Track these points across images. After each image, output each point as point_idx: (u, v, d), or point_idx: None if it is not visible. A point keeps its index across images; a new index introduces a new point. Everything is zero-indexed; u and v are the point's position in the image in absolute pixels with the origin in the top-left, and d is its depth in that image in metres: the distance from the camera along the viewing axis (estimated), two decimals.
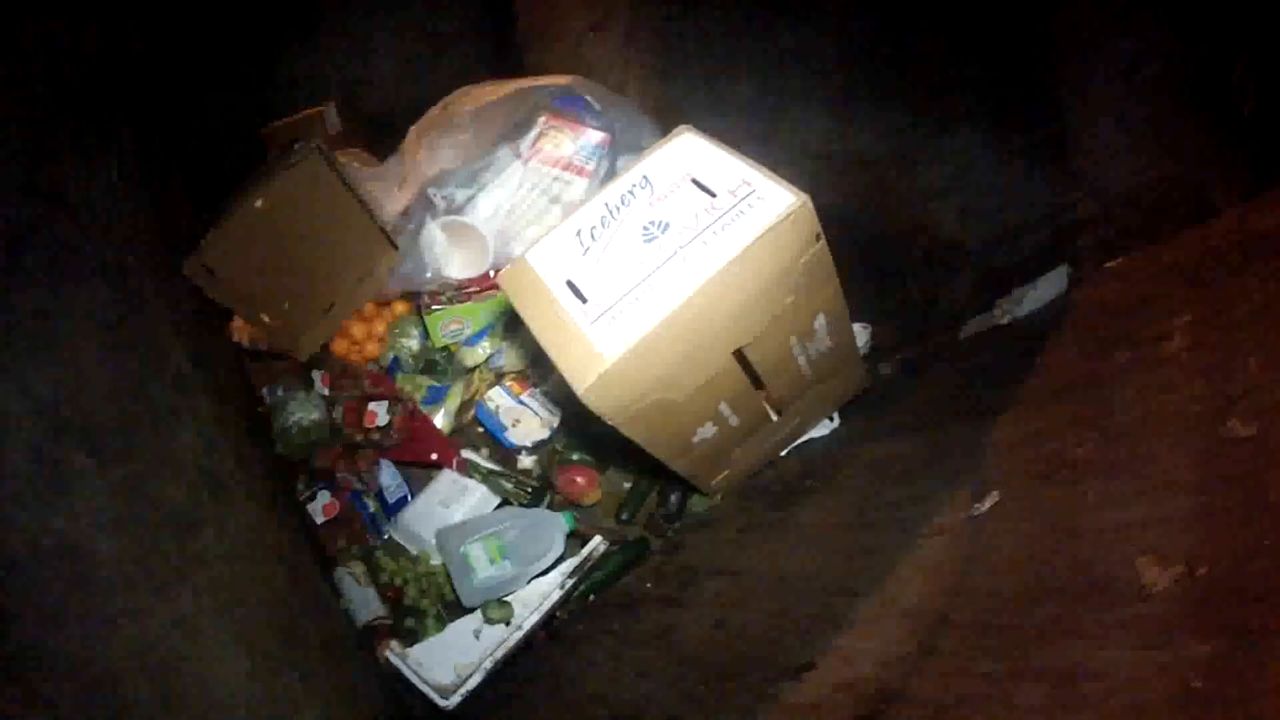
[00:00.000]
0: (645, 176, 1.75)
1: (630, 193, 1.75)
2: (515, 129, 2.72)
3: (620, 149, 2.66)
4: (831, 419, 2.31)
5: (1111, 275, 1.70)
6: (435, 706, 2.14)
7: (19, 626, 1.07)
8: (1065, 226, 1.81)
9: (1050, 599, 1.17)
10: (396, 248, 2.78)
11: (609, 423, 1.64)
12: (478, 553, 2.20)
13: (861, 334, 2.31)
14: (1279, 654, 0.87)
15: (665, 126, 2.43)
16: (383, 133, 2.94)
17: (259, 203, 2.43)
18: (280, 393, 2.77)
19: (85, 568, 1.28)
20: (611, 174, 2.56)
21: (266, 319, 2.66)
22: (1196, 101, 1.67)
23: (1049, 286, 1.87)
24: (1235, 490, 1.08)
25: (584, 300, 1.61)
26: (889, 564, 1.54)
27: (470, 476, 2.48)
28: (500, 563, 2.19)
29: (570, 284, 1.65)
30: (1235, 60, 1.58)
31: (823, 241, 1.62)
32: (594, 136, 2.63)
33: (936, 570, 1.44)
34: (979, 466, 1.54)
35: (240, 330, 2.86)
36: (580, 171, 2.62)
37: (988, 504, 1.42)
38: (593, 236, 1.72)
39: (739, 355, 1.75)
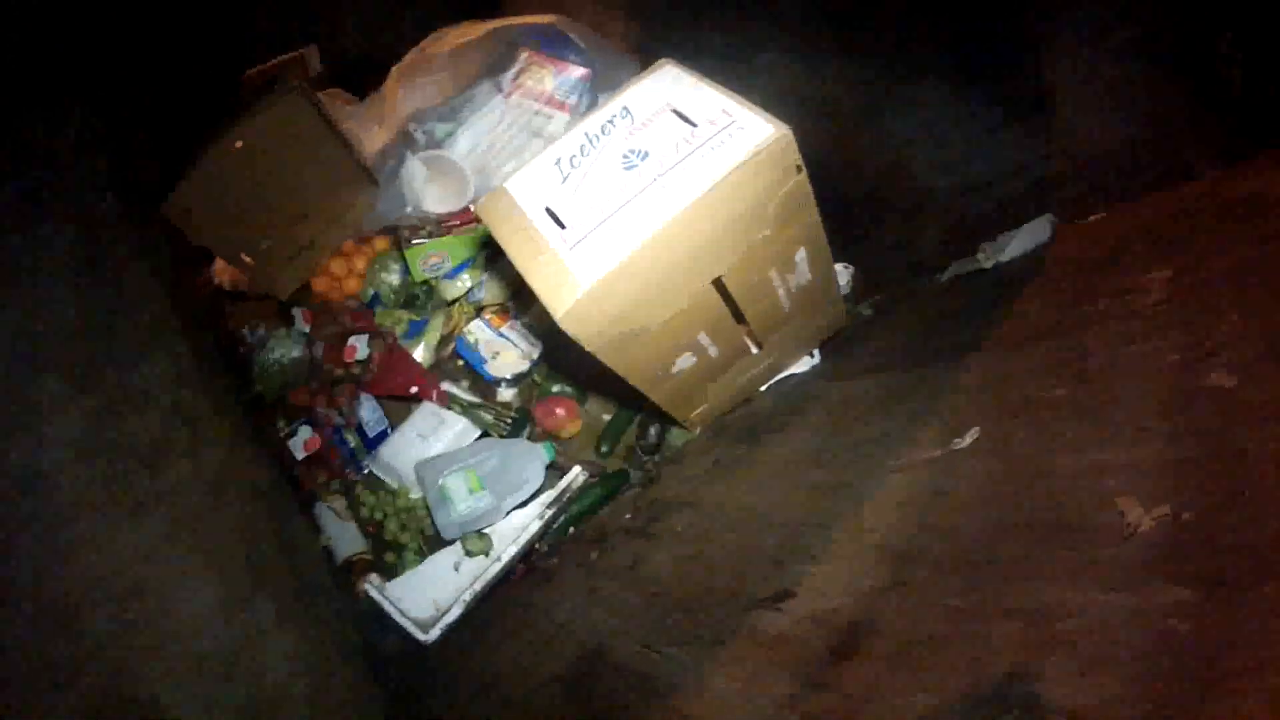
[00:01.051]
0: (626, 107, 1.73)
1: (610, 122, 1.72)
2: (496, 65, 2.69)
3: (601, 87, 2.63)
4: (812, 355, 2.28)
5: (1089, 229, 1.68)
6: (414, 640, 2.12)
7: None
8: (1037, 181, 1.80)
9: (1024, 536, 1.17)
10: (376, 184, 2.74)
11: (587, 349, 1.62)
12: (456, 484, 2.18)
13: (843, 274, 2.28)
14: (1255, 604, 0.88)
15: (644, 65, 2.43)
16: (361, 77, 2.91)
17: (238, 142, 2.39)
18: (260, 332, 2.75)
19: (47, 495, 1.27)
20: (592, 109, 2.55)
21: (246, 259, 2.64)
22: (1174, 68, 1.65)
23: (1033, 235, 1.83)
24: (1212, 440, 1.08)
25: (562, 227, 1.59)
26: (861, 498, 1.52)
27: (450, 409, 2.45)
28: (479, 494, 2.16)
29: (549, 211, 1.64)
30: (1219, 31, 1.57)
31: (803, 174, 1.58)
32: (575, 72, 2.59)
33: (909, 505, 1.42)
34: (954, 404, 1.54)
35: (221, 272, 2.84)
36: (561, 106, 2.59)
37: (968, 440, 1.39)
38: (572, 164, 1.70)
39: (719, 286, 1.72)
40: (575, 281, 1.52)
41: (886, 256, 2.31)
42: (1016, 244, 1.88)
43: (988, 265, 1.94)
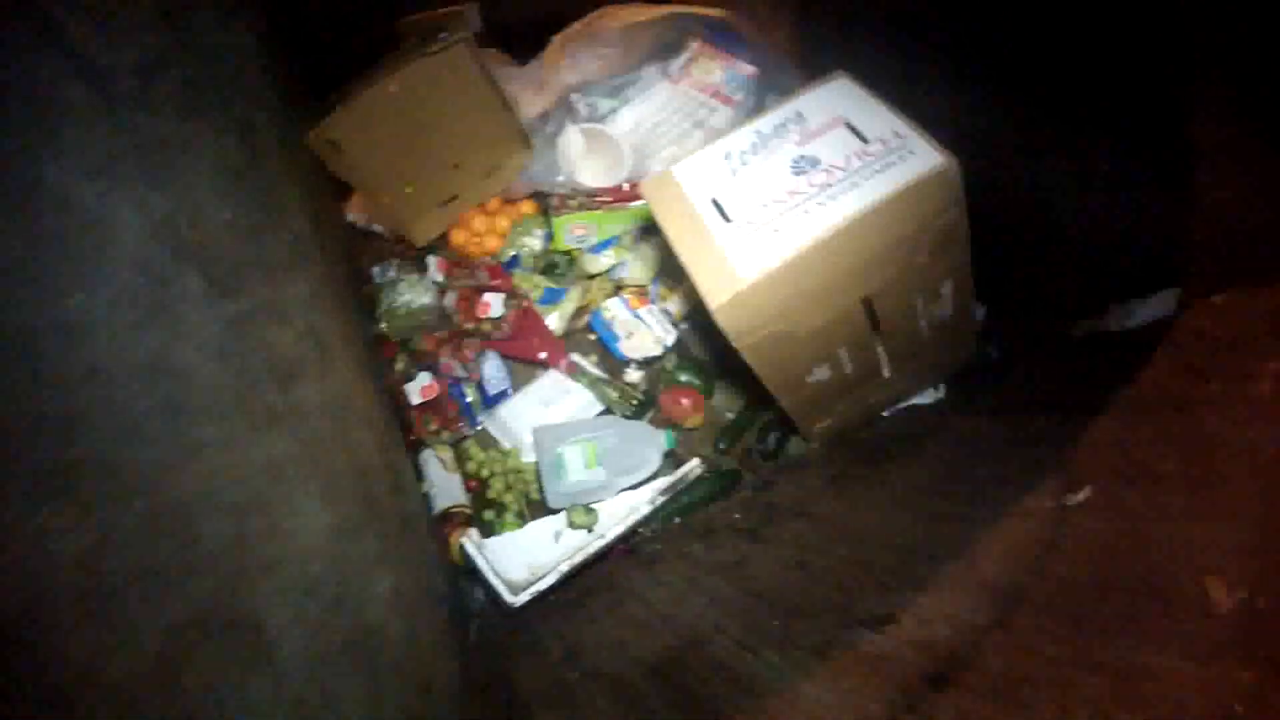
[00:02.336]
0: (799, 112, 1.76)
1: (784, 125, 1.76)
2: (664, 50, 2.69)
3: (765, 88, 2.62)
4: (937, 388, 2.29)
5: (1215, 308, 1.67)
6: (497, 601, 2.10)
7: (90, 436, 1.05)
8: (1176, 250, 1.78)
9: (1121, 597, 1.17)
10: (530, 147, 2.73)
11: (733, 344, 1.66)
12: (574, 455, 2.16)
13: (977, 312, 2.26)
14: None
15: (806, 76, 2.42)
16: (518, 41, 2.91)
17: (393, 85, 2.39)
18: (391, 273, 2.74)
19: (180, 390, 1.23)
20: (756, 109, 2.52)
21: (387, 200, 2.65)
22: None
23: (1158, 306, 1.81)
24: None
25: (727, 220, 1.63)
26: (973, 535, 1.52)
27: (576, 380, 2.44)
28: (594, 469, 2.15)
29: (715, 202, 1.67)
30: None
31: (962, 208, 1.63)
32: (744, 69, 2.56)
33: (1018, 550, 1.43)
34: (1069, 460, 1.53)
35: (356, 208, 2.85)
36: (727, 100, 2.56)
37: (1081, 496, 1.40)
38: (742, 160, 1.73)
39: (867, 304, 1.74)
40: (736, 275, 1.54)
41: (1019, 301, 2.28)
42: (1144, 311, 1.85)
43: (1115, 328, 1.93)
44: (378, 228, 2.89)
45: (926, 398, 2.29)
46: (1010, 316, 2.29)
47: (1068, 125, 1.96)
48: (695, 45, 2.64)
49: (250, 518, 1.30)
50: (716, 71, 2.58)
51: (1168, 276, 1.78)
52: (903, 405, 2.27)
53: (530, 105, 2.75)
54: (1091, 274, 2.03)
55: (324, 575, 1.46)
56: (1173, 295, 1.77)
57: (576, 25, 2.73)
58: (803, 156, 1.67)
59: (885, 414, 2.28)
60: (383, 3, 2.85)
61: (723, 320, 1.58)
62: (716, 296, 1.55)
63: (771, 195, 1.64)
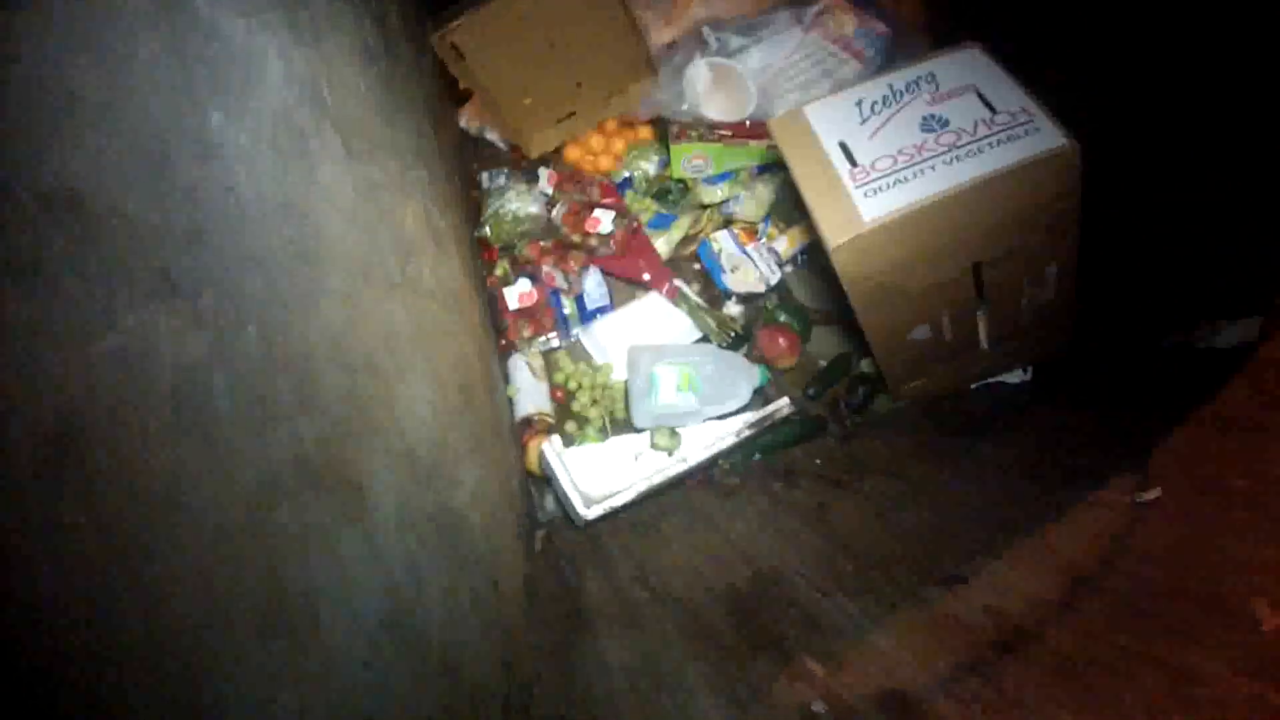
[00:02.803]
0: (932, 74, 1.79)
1: (916, 83, 1.79)
2: None
3: (892, 53, 2.61)
4: (1025, 371, 2.30)
5: None
6: (568, 513, 2.11)
7: (214, 252, 1.04)
8: (1268, 282, 1.77)
9: (1184, 600, 1.20)
10: (656, 73, 2.72)
11: (846, 286, 1.69)
12: (668, 377, 2.16)
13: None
14: None
15: (932, 46, 2.42)
16: None
17: None
18: (501, 180, 2.76)
19: (309, 237, 1.23)
20: (885, 69, 2.52)
21: (504, 109, 2.66)
22: None
23: (1244, 331, 1.82)
24: None
25: (854, 164, 1.68)
26: (1049, 518, 1.55)
27: (678, 306, 2.43)
28: (686, 393, 2.15)
29: (843, 145, 1.71)
30: None
31: (1078, 194, 1.66)
32: (877, 26, 2.54)
33: (1091, 539, 1.45)
34: (1144, 460, 1.54)
35: (471, 114, 2.86)
36: (857, 55, 2.53)
37: (1150, 495, 1.43)
38: (873, 110, 1.76)
39: (975, 271, 1.78)
40: (858, 218, 1.58)
41: (1115, 302, 2.26)
42: (1230, 333, 1.86)
43: (1201, 345, 1.92)
44: (491, 136, 2.90)
45: (1014, 378, 2.31)
46: (1105, 315, 2.26)
47: (1200, 141, 1.93)
48: None
49: (362, 376, 1.32)
50: (849, 25, 2.56)
51: (1256, 304, 1.77)
52: (989, 381, 2.29)
53: (659, 33, 2.75)
54: (1188, 289, 2.02)
55: (421, 451, 1.48)
56: (1255, 323, 1.77)
57: None
58: (933, 115, 1.70)
59: (973, 386, 2.30)
60: None
61: (839, 260, 1.60)
62: (837, 235, 1.57)
63: (899, 148, 1.67)
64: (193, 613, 0.83)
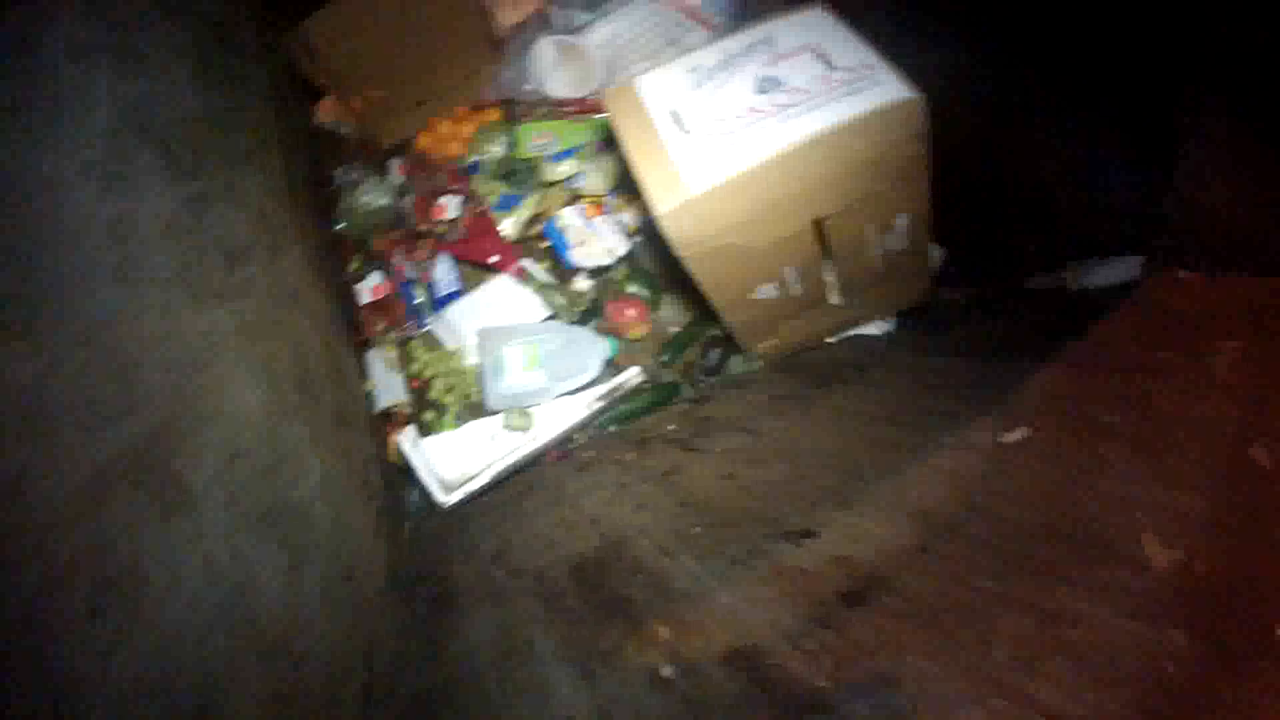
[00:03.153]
0: (770, 36, 1.79)
1: (753, 46, 1.78)
2: None
3: (746, 16, 2.64)
4: (887, 321, 2.33)
5: (1180, 283, 1.71)
6: (430, 501, 2.17)
7: (50, 280, 1.08)
8: (1149, 223, 1.81)
9: (1055, 542, 1.21)
10: (503, 55, 2.76)
11: (679, 253, 1.69)
12: (515, 356, 2.20)
13: (935, 253, 2.31)
14: (1248, 675, 0.92)
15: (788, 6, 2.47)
16: None
17: None
18: (353, 174, 2.77)
19: (134, 255, 1.30)
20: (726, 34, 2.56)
21: (357, 102, 2.68)
22: None
23: (1120, 270, 1.87)
24: (1242, 511, 1.12)
25: (685, 131, 1.66)
26: (910, 463, 1.56)
27: (525, 286, 2.46)
28: (534, 370, 2.19)
29: (674, 113, 1.71)
30: None
31: (925, 144, 1.64)
32: None
33: (954, 482, 1.46)
34: (1014, 403, 1.57)
35: (326, 111, 2.89)
36: (704, 22, 2.58)
37: (1016, 435, 1.44)
38: (708, 75, 1.77)
39: (818, 226, 1.77)
40: (685, 185, 1.58)
41: (983, 251, 2.32)
42: (1103, 274, 1.91)
43: (1073, 286, 1.98)
44: (346, 130, 2.93)
45: (875, 329, 2.31)
46: (970, 262, 2.32)
47: (1059, 85, 1.99)
48: None
49: (188, 377, 1.36)
50: None
51: (1133, 245, 1.82)
52: (850, 334, 2.31)
53: (507, 14, 2.78)
54: (1056, 231, 2.08)
55: (253, 446, 1.51)
56: (1137, 263, 1.81)
57: None
58: (768, 77, 1.70)
59: (832, 340, 2.32)
60: None
61: (668, 227, 1.62)
62: (664, 203, 1.58)
63: (732, 111, 1.67)
64: (31, 592, 0.88)
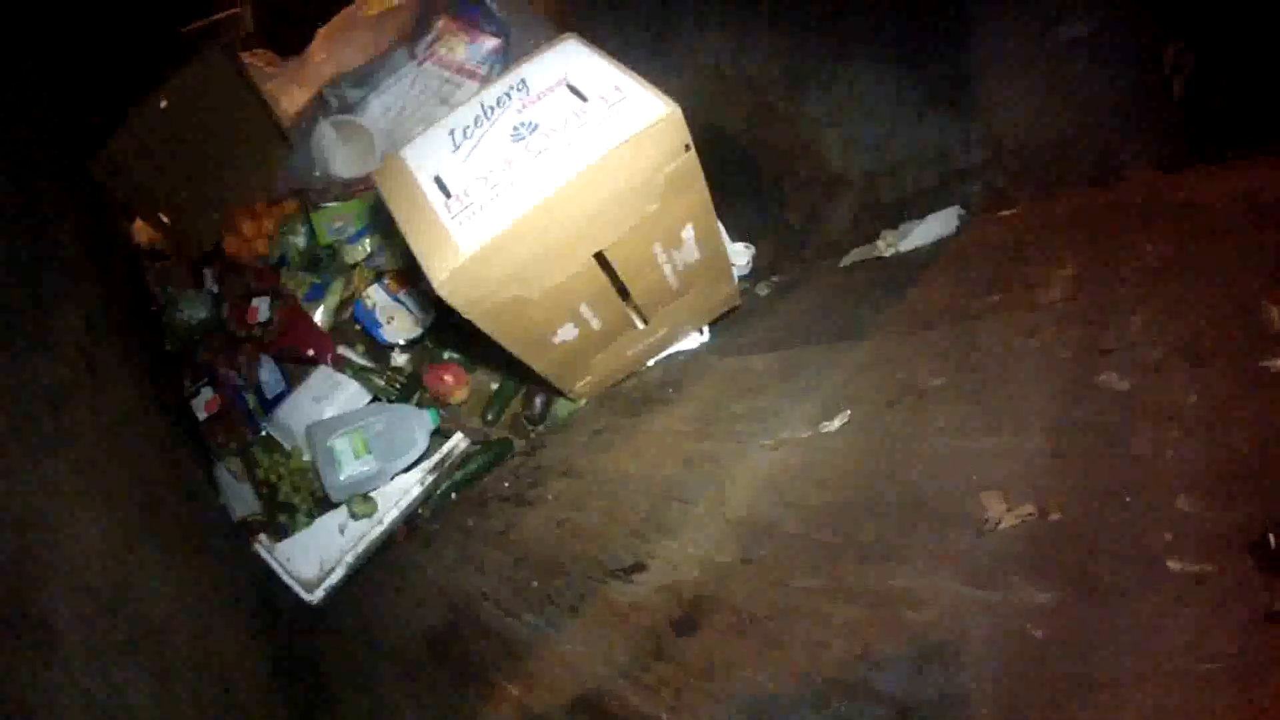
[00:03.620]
0: (523, 80, 1.81)
1: (507, 94, 1.81)
2: (415, 31, 2.78)
3: (515, 55, 2.71)
4: (701, 332, 2.38)
5: (999, 222, 1.76)
6: (302, 601, 2.24)
7: None
8: (956, 169, 1.86)
9: (883, 521, 1.25)
10: (291, 145, 2.84)
11: (465, 316, 1.72)
12: (344, 447, 2.27)
13: (743, 254, 2.38)
14: (1125, 608, 0.94)
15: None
16: (296, 37, 2.97)
17: (163, 101, 2.50)
18: (170, 290, 2.84)
19: None
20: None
21: (165, 218, 2.73)
22: (1116, 71, 1.73)
23: (937, 225, 1.94)
24: (1098, 439, 1.15)
25: (448, 195, 1.68)
26: (725, 473, 1.65)
27: (344, 373, 2.57)
28: (365, 457, 2.26)
29: (438, 180, 1.72)
30: (1167, 38, 1.64)
31: (692, 152, 1.66)
32: (488, 42, 2.69)
33: (770, 482, 1.52)
34: (833, 386, 1.63)
35: (141, 230, 2.96)
36: (472, 76, 2.68)
37: (837, 423, 1.51)
38: (465, 135, 1.79)
39: (601, 259, 1.82)
40: (456, 249, 1.60)
41: (791, 237, 2.38)
42: (920, 233, 1.98)
43: (888, 254, 2.03)
44: (161, 246, 2.97)
45: (690, 343, 2.38)
46: (783, 253, 2.40)
47: (832, 54, 2.07)
48: (441, 23, 2.75)
49: (31, 532, 1.41)
50: (460, 47, 2.70)
51: (943, 200, 1.90)
52: (666, 354, 2.40)
53: (293, 102, 2.87)
54: (867, 202, 2.16)
55: (103, 578, 1.57)
56: (954, 214, 1.87)
57: (338, 16, 2.85)
58: (522, 123, 1.73)
59: (650, 363, 2.40)
60: (167, 10, 2.90)
61: (446, 294, 1.64)
62: (438, 272, 1.61)
63: (492, 166, 1.69)
64: None
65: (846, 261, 2.18)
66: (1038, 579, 1.01)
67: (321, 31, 2.87)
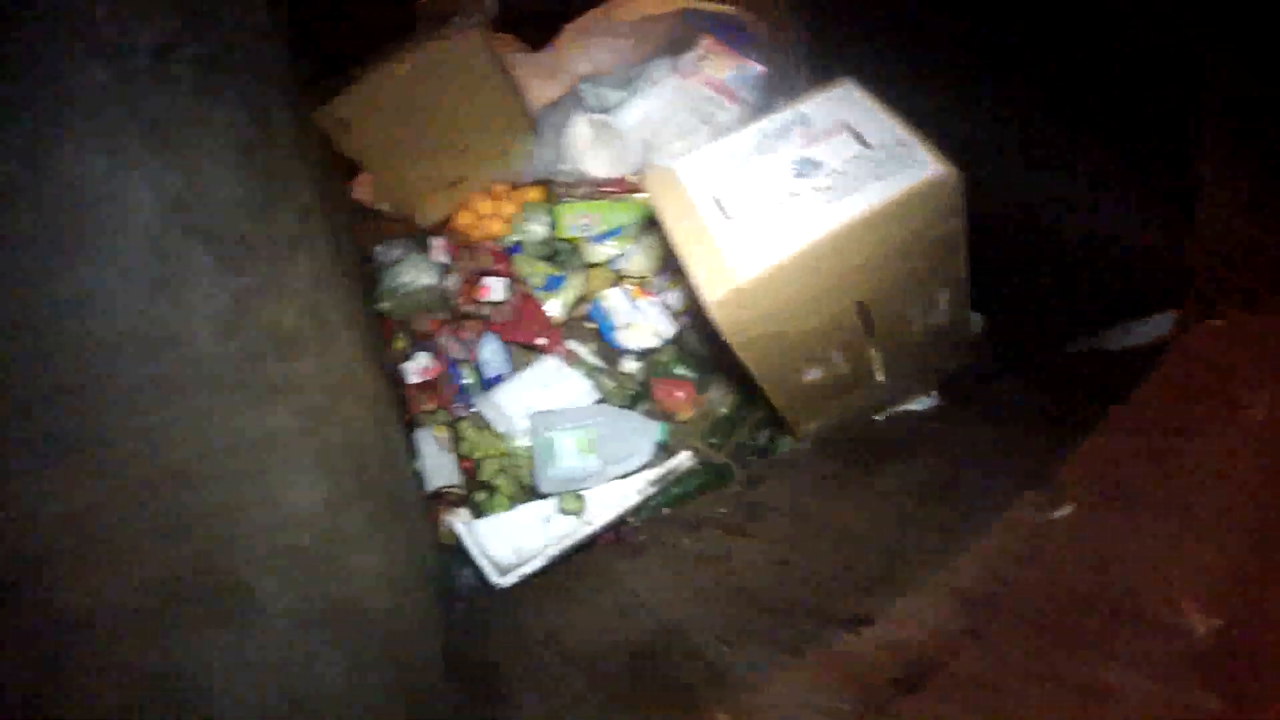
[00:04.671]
0: (804, 115, 1.80)
1: (788, 127, 1.80)
2: (675, 45, 2.73)
3: (772, 89, 2.66)
4: (930, 395, 2.31)
5: (1212, 332, 1.69)
6: (484, 581, 2.14)
7: (94, 405, 1.07)
8: (1173, 272, 1.80)
9: (1093, 615, 1.22)
10: (537, 134, 2.78)
11: (728, 340, 1.70)
12: (567, 441, 2.20)
13: (976, 322, 2.32)
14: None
15: (811, 79, 2.48)
16: (533, 28, 2.95)
17: (404, 67, 2.44)
18: (395, 253, 2.77)
19: (183, 362, 1.26)
20: (764, 109, 2.55)
21: (394, 181, 2.70)
22: None
23: (1155, 327, 1.85)
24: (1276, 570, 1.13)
25: (727, 217, 1.68)
26: (953, 544, 1.54)
27: (573, 368, 2.47)
28: (587, 455, 2.19)
29: (716, 199, 1.73)
30: None
31: (962, 219, 1.67)
32: (753, 68, 2.60)
33: (996, 561, 1.46)
34: (1054, 475, 1.55)
35: (362, 187, 2.90)
36: (734, 98, 2.59)
37: (1063, 512, 1.43)
38: (746, 159, 1.78)
39: (861, 307, 1.78)
40: (732, 272, 1.59)
41: (1018, 313, 2.32)
42: (1141, 332, 1.89)
43: (1112, 347, 1.96)
44: (383, 207, 2.93)
45: (920, 404, 2.30)
46: (1008, 328, 2.31)
47: (1077, 142, 1.98)
48: (706, 42, 2.67)
49: (245, 485, 1.35)
50: (726, 69, 2.61)
51: (1167, 299, 1.81)
52: (896, 410, 2.31)
53: (540, 92, 2.80)
54: (1091, 292, 2.06)
55: (313, 545, 1.51)
56: (1169, 318, 1.80)
57: (588, 15, 2.78)
58: (805, 159, 1.71)
59: (878, 418, 2.31)
60: None
61: (718, 317, 1.63)
62: (713, 292, 1.60)
63: (772, 195, 1.68)
64: (108, 707, 0.89)
65: (1073, 348, 2.11)
66: (1210, 684, 1.02)
67: (570, 27, 2.81)
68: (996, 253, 1.87)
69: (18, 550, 0.85)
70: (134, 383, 1.17)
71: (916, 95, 1.82)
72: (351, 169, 2.88)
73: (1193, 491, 1.33)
